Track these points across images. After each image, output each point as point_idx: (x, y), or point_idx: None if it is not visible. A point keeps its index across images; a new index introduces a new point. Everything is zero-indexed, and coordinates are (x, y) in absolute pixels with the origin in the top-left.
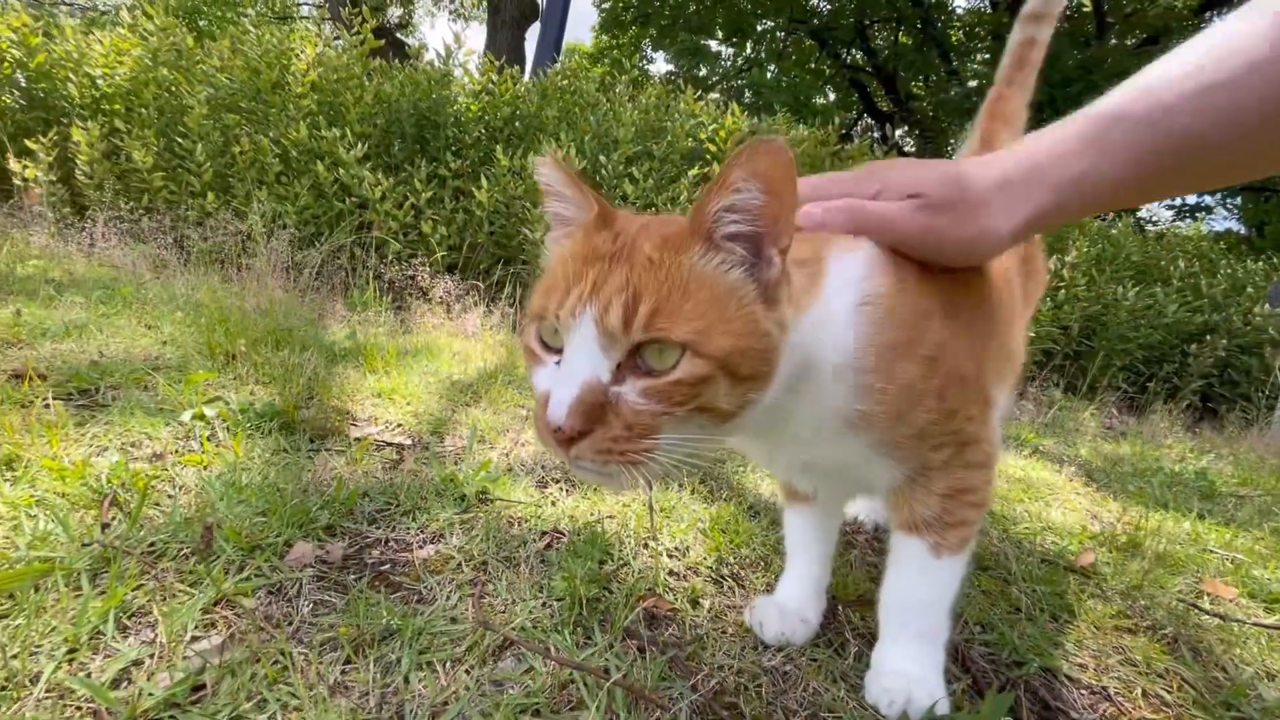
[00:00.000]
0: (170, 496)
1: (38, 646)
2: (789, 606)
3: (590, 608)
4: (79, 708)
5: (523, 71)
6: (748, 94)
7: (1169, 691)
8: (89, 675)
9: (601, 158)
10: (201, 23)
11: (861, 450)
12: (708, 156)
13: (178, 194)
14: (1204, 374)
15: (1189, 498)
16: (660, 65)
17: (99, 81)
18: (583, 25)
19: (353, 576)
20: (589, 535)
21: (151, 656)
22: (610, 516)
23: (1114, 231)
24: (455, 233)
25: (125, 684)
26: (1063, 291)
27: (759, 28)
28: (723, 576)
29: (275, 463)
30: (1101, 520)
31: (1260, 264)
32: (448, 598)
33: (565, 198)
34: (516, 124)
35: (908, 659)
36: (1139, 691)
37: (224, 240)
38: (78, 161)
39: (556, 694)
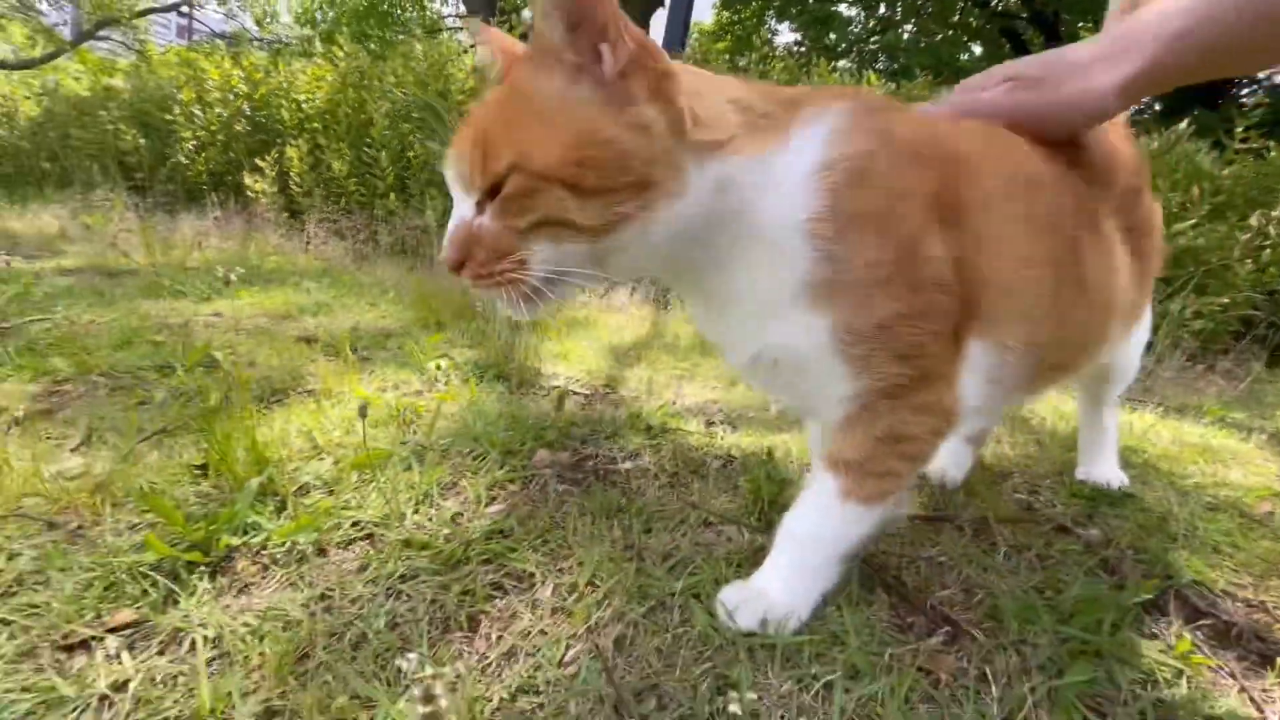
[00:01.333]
0: (437, 411)
1: (394, 497)
2: None
3: (771, 505)
4: (431, 534)
5: None
6: (882, 59)
7: None
8: (431, 517)
9: None
10: (370, 45)
11: (819, 342)
12: None
13: (367, 196)
14: None
15: None
16: (785, 36)
17: (303, 105)
18: (703, 3)
19: (580, 475)
20: (759, 458)
21: (463, 513)
22: (775, 449)
23: None
24: None
25: (455, 525)
26: (1267, 251)
27: None
28: None
29: (502, 399)
30: None
31: None
32: (655, 493)
33: (490, 62)
34: None
35: (776, 579)
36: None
37: (405, 234)
38: (291, 174)
39: (753, 555)
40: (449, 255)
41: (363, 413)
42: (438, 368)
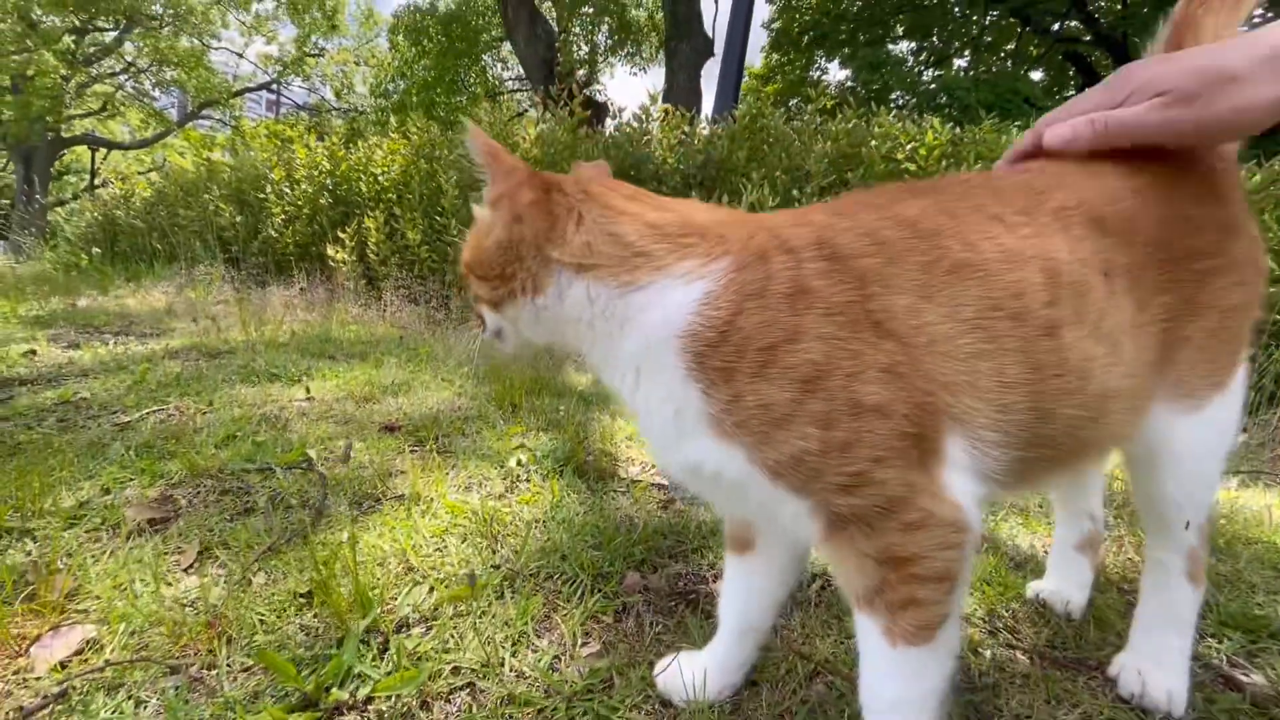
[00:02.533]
0: (529, 526)
1: (492, 640)
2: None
3: None
4: (531, 684)
5: (699, 110)
6: (942, 97)
7: None
8: (529, 663)
9: (794, 192)
10: (438, 111)
11: (742, 467)
12: (906, 178)
13: (439, 263)
14: None
15: None
16: (834, 73)
17: (380, 178)
18: (753, 45)
19: (672, 603)
20: None
21: (560, 656)
22: None
23: None
24: None
25: (554, 672)
26: None
27: (950, 18)
28: (997, 629)
29: (584, 502)
30: None
31: None
32: None
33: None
34: (710, 170)
35: None
36: None
37: None
38: (368, 243)
39: None
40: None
41: (471, 581)
42: (518, 463)
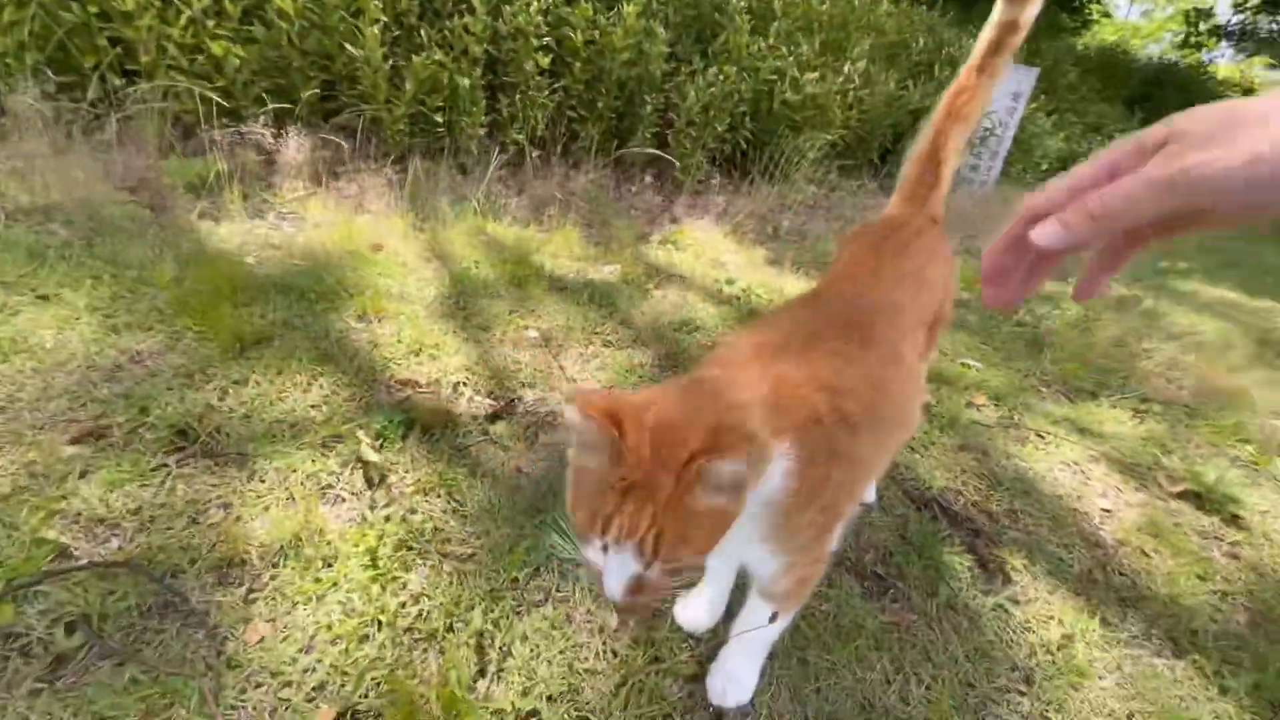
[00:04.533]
0: (431, 565)
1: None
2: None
3: None
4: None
5: None
6: None
7: (973, 478)
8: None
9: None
10: None
11: (760, 547)
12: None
13: None
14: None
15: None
16: None
17: None
18: None
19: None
20: None
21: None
22: None
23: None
24: (258, 56)
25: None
26: (851, 93)
27: None
28: None
29: (445, 481)
30: None
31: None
32: None
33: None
34: None
35: (738, 665)
36: (966, 485)
37: None
38: None
39: None
40: (621, 599)
41: None
42: (360, 461)
